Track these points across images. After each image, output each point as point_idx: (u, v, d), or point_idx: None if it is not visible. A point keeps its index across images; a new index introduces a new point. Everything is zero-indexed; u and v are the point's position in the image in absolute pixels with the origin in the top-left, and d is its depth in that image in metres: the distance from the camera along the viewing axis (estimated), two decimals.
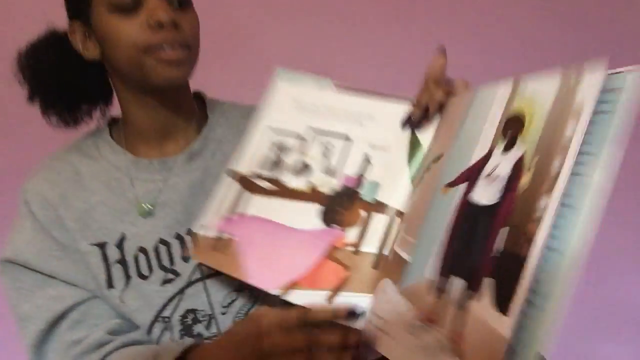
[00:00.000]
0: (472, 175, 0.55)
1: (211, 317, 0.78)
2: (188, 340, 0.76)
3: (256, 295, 0.77)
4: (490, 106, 0.57)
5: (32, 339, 0.75)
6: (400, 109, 0.69)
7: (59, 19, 1.34)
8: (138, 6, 0.71)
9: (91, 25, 0.76)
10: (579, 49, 1.51)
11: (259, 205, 0.72)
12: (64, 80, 0.81)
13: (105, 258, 0.77)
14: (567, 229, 0.42)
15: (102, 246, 0.77)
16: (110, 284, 0.77)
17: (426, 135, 0.67)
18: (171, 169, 0.81)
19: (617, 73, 0.44)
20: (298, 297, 0.64)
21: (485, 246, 0.48)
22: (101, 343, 0.74)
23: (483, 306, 0.46)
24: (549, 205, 0.43)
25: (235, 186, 0.75)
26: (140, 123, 0.82)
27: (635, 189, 1.46)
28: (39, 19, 1.44)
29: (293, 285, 0.65)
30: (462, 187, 0.55)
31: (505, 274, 0.45)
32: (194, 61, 0.77)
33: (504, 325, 0.43)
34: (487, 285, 0.46)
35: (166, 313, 0.77)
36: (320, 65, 1.51)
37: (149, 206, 0.79)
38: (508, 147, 0.52)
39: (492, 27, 1.56)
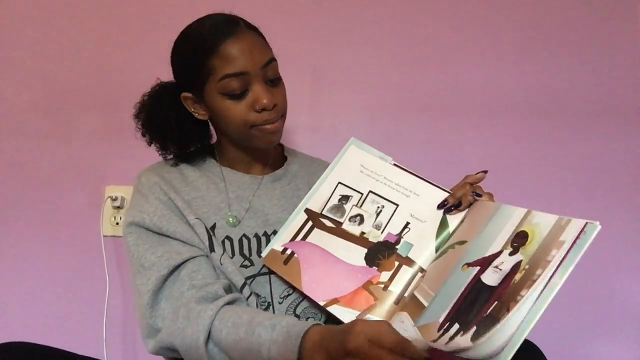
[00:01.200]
0: (485, 263, 0.77)
1: (269, 304, 0.94)
2: (297, 325, 0.78)
3: (305, 295, 0.93)
4: (507, 221, 0.79)
5: (154, 284, 0.87)
6: (440, 195, 0.92)
7: (59, 21, 1.45)
8: (245, 92, 0.91)
9: (202, 99, 0.94)
10: (579, 52, 1.52)
11: (319, 237, 0.95)
12: (177, 127, 0.97)
13: (207, 229, 0.93)
14: (535, 307, 0.65)
15: (203, 222, 0.94)
16: (212, 249, 0.92)
17: (454, 220, 0.90)
18: (259, 184, 1.03)
19: (590, 223, 0.67)
20: (335, 311, 0.87)
21: (481, 311, 0.71)
22: (219, 296, 0.87)
23: (464, 339, 0.69)
24: (528, 295, 0.66)
25: (305, 219, 0.97)
26: (235, 156, 1.04)
27: (635, 190, 1.49)
28: (38, 20, 1.50)
29: (334, 301, 0.88)
30: (476, 268, 0.78)
31: (485, 326, 0.68)
32: (284, 122, 0.99)
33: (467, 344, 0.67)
34: (472, 330, 0.69)
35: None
36: (320, 65, 1.55)
37: (235, 218, 0.97)
38: (513, 253, 0.74)
39: (494, 28, 1.54)
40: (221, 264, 0.91)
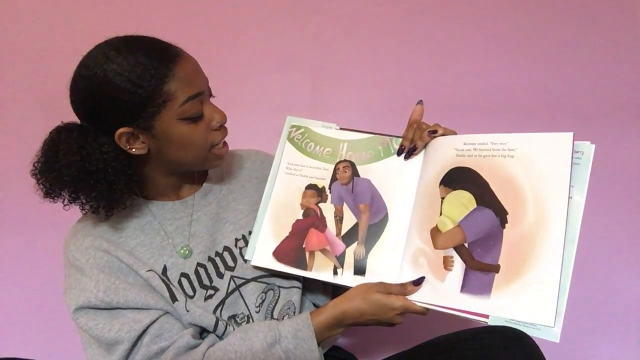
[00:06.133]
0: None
1: (249, 317, 0.92)
2: (300, 322, 0.85)
3: (278, 295, 0.95)
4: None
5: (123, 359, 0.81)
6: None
7: (59, 21, 1.44)
8: (202, 114, 0.84)
9: (149, 130, 0.81)
10: (580, 50, 1.53)
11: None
12: (116, 172, 0.82)
13: (162, 279, 0.87)
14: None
15: (155, 271, 0.87)
16: (174, 298, 0.86)
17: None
18: (192, 206, 0.95)
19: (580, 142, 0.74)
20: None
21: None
22: (192, 345, 0.83)
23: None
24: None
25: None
26: (163, 184, 0.93)
27: (635, 190, 1.50)
28: (39, 20, 1.51)
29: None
30: None
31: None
32: None
33: None
34: None
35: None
36: (320, 65, 1.57)
37: (187, 248, 0.92)
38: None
39: (495, 28, 1.54)
40: (188, 311, 0.86)
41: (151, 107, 0.79)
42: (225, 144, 0.90)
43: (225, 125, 0.89)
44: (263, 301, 0.94)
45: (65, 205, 0.83)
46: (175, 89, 0.79)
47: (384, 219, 0.89)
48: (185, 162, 0.88)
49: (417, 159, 0.90)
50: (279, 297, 0.95)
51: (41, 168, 0.81)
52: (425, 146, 0.90)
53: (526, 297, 0.70)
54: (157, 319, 0.84)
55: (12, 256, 1.56)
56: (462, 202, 0.81)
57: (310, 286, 1.03)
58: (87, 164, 0.79)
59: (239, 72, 1.59)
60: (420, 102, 0.94)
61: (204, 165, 0.90)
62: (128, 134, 0.81)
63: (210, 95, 0.89)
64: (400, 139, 0.93)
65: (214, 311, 0.90)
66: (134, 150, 0.83)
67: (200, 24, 1.57)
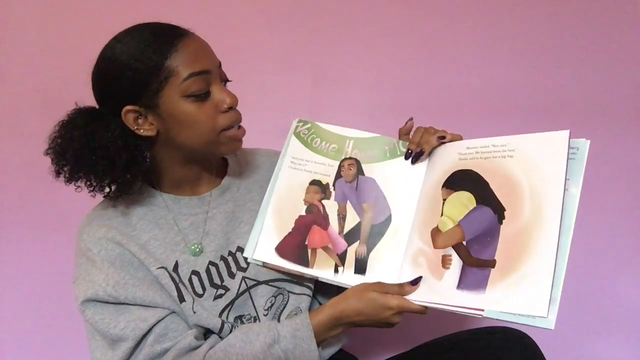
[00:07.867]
0: None
1: (255, 319, 0.92)
2: (300, 322, 0.85)
3: (287, 300, 0.94)
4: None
5: (124, 358, 0.81)
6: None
7: (59, 20, 1.42)
8: (208, 93, 0.82)
9: (154, 108, 0.81)
10: (579, 52, 1.53)
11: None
12: (123, 153, 0.81)
13: (172, 278, 0.86)
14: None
15: (166, 269, 0.86)
16: (182, 299, 0.85)
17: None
18: (209, 203, 0.94)
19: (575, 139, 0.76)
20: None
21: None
22: (193, 346, 0.83)
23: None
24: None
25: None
26: (180, 176, 0.92)
27: (635, 190, 1.50)
28: (38, 20, 1.51)
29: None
30: None
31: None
32: None
33: None
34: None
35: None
36: (320, 65, 1.56)
37: (199, 246, 0.90)
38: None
39: (495, 28, 1.54)
40: (194, 313, 0.85)
41: (154, 83, 0.79)
42: (240, 127, 0.88)
43: (237, 109, 0.87)
44: (272, 305, 0.93)
45: (76, 188, 0.84)
46: (177, 64, 0.79)
47: (387, 220, 0.90)
48: (195, 145, 0.85)
49: (422, 163, 0.91)
50: (287, 302, 0.94)
51: (51, 145, 0.84)
52: (431, 150, 0.91)
53: (520, 289, 0.71)
54: (163, 318, 0.84)
55: (12, 256, 1.55)
56: (463, 201, 0.82)
57: (322, 287, 1.01)
58: (91, 140, 0.80)
59: (238, 72, 1.55)
60: (410, 119, 0.96)
61: (219, 151, 0.87)
62: (135, 112, 0.82)
63: (226, 80, 0.89)
64: (406, 142, 0.93)
65: (222, 312, 0.89)
66: (142, 131, 0.83)
67: (200, 23, 1.57)
